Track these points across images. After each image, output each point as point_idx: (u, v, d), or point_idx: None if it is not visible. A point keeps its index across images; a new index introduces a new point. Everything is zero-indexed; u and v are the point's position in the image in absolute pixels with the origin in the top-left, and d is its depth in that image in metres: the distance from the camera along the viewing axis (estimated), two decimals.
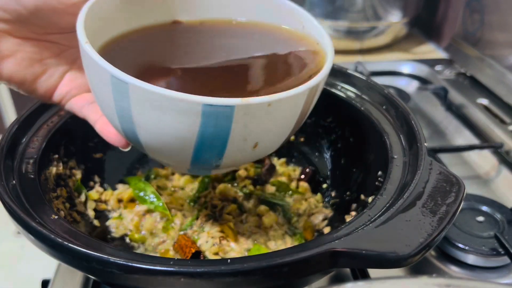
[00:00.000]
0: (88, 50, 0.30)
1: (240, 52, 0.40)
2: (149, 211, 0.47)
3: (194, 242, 0.43)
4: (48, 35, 0.34)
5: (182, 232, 0.45)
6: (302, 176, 0.52)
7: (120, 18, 0.38)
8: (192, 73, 0.36)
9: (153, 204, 0.47)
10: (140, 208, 0.47)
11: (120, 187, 0.50)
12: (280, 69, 0.38)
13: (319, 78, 0.34)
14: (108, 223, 0.46)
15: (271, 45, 0.41)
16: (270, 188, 0.50)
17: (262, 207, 0.47)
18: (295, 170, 0.53)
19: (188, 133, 0.31)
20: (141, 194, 0.48)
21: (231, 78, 0.36)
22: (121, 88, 0.30)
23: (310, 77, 0.35)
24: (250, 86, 0.35)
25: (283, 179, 0.52)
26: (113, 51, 0.36)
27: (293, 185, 0.51)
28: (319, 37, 0.39)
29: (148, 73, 0.34)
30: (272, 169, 0.52)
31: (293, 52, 0.39)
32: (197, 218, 0.46)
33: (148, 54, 0.38)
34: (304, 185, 0.51)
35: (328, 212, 0.47)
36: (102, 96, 0.33)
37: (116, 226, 0.46)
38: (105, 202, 0.48)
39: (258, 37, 0.42)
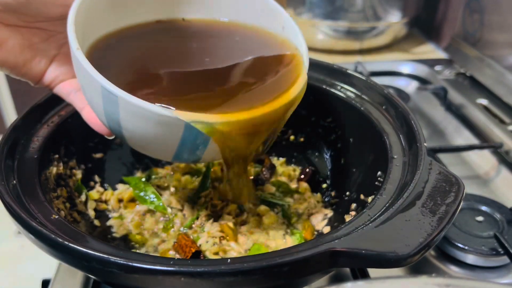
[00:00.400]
0: (79, 58, 0.32)
1: (223, 58, 0.41)
2: (149, 211, 0.47)
3: (194, 241, 0.43)
4: (37, 23, 0.35)
5: (183, 230, 0.45)
6: (302, 176, 0.52)
7: (106, 17, 0.39)
8: (176, 82, 0.37)
9: (153, 204, 0.47)
10: (140, 208, 0.47)
11: (121, 187, 0.50)
12: (259, 79, 0.38)
13: (296, 92, 0.37)
14: (109, 223, 0.46)
15: (251, 51, 0.42)
16: (270, 188, 0.50)
17: (262, 207, 0.47)
18: (295, 170, 0.53)
19: (171, 140, 0.34)
20: (142, 194, 0.48)
21: (213, 89, 0.37)
22: (111, 98, 0.31)
23: (287, 89, 0.37)
24: (231, 99, 0.36)
25: (283, 179, 0.52)
26: (101, 54, 0.37)
27: (293, 185, 0.52)
28: (297, 43, 0.41)
29: (136, 81, 0.36)
30: (272, 169, 0.52)
31: (272, 60, 0.40)
32: (197, 218, 0.46)
33: (135, 57, 0.39)
34: (304, 185, 0.51)
35: (328, 212, 0.47)
36: (91, 98, 0.34)
37: (117, 226, 0.46)
38: (106, 202, 0.48)
39: (239, 41, 0.43)
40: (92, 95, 0.34)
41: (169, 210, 0.47)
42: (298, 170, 0.54)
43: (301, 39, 0.40)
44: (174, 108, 0.32)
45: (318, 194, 0.50)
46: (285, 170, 0.53)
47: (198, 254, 0.41)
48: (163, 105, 0.32)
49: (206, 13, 0.44)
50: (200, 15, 0.44)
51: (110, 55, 0.38)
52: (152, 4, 0.42)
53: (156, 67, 0.38)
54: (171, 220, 0.46)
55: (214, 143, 0.34)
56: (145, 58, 0.39)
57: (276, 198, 0.49)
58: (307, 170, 0.52)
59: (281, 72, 0.39)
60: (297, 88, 0.37)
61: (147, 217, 0.47)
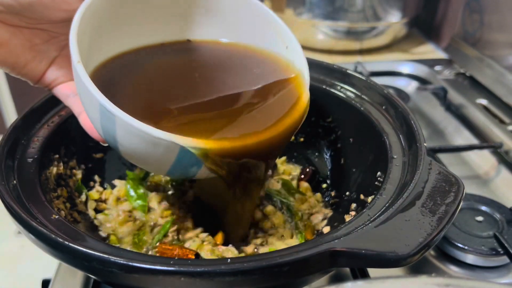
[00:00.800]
0: (79, 72, 0.32)
1: (226, 81, 0.42)
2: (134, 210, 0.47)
3: (190, 250, 0.41)
4: (39, 24, 0.35)
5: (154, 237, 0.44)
6: (302, 176, 0.52)
7: (111, 36, 0.40)
8: (176, 104, 0.38)
9: (134, 200, 0.47)
10: (125, 207, 0.47)
11: (117, 182, 0.50)
12: (260, 102, 0.39)
13: (295, 118, 0.38)
14: (96, 221, 0.46)
15: (255, 75, 0.42)
16: (276, 185, 0.50)
17: (269, 208, 0.47)
18: (295, 169, 0.54)
19: (165, 160, 0.34)
20: (131, 191, 0.48)
21: (213, 113, 0.38)
22: (108, 115, 0.32)
23: (287, 114, 0.38)
24: (229, 124, 0.37)
25: (285, 177, 0.52)
26: (104, 74, 0.38)
27: (294, 183, 0.52)
28: (300, 63, 0.41)
29: (136, 101, 0.37)
30: (273, 166, 0.52)
31: (274, 84, 0.41)
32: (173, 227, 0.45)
33: (138, 78, 0.40)
34: (304, 184, 0.51)
35: (328, 212, 0.47)
36: (89, 111, 0.35)
37: (103, 223, 0.45)
38: (105, 201, 0.48)
39: (243, 64, 0.43)
40: (89, 108, 0.34)
41: (156, 211, 0.46)
42: (298, 169, 0.54)
43: (303, 60, 0.41)
44: (170, 132, 0.32)
45: (318, 194, 0.50)
46: (286, 169, 0.53)
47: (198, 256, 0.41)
48: (159, 128, 0.32)
49: (212, 34, 0.45)
50: (206, 36, 0.45)
51: (113, 75, 0.39)
52: (159, 24, 0.43)
53: (157, 88, 0.39)
54: (144, 221, 0.46)
55: (208, 165, 0.35)
56: (148, 79, 0.40)
57: (281, 195, 0.49)
58: (307, 170, 0.52)
59: (283, 94, 0.39)
60: (296, 113, 0.38)
61: (133, 214, 0.47)
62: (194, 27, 0.45)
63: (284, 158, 0.55)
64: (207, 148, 0.33)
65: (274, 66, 0.42)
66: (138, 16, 0.42)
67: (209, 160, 0.34)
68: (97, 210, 0.47)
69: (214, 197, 0.46)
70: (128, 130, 0.32)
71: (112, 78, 0.38)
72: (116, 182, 0.50)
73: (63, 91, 0.38)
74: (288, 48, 0.42)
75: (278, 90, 0.40)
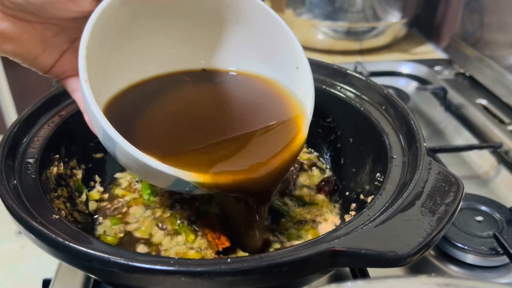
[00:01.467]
0: (86, 91, 0.33)
1: (231, 115, 0.43)
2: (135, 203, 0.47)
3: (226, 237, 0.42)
4: (51, 20, 0.35)
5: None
6: (323, 183, 0.49)
7: (125, 64, 0.42)
8: (179, 135, 0.40)
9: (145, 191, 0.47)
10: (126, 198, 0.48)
11: (118, 175, 0.50)
12: (259, 137, 0.40)
13: (290, 154, 0.39)
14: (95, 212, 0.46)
15: (260, 111, 0.43)
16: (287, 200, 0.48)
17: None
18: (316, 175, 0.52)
19: (163, 182, 0.37)
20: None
21: (211, 145, 0.39)
22: (110, 139, 0.33)
23: (283, 150, 0.39)
24: (225, 159, 0.38)
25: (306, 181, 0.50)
26: (116, 103, 0.40)
27: (312, 191, 0.49)
28: (306, 93, 0.41)
29: (141, 129, 0.39)
30: (300, 167, 0.52)
31: (276, 123, 0.42)
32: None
33: (149, 108, 0.41)
34: (320, 197, 0.48)
35: (337, 221, 0.47)
36: (93, 127, 0.36)
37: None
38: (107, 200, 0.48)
39: (251, 98, 0.45)
40: (94, 125, 0.35)
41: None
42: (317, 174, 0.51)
43: (311, 86, 0.41)
44: (167, 161, 0.34)
45: (334, 204, 0.48)
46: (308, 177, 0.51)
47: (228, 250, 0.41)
48: (158, 155, 0.34)
49: (228, 64, 0.46)
50: (221, 66, 0.46)
51: (126, 104, 0.41)
52: (177, 53, 0.44)
53: (164, 118, 0.41)
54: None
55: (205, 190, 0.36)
56: (157, 109, 0.42)
57: (282, 207, 0.47)
58: (330, 180, 0.49)
59: (282, 129, 0.41)
60: (292, 150, 0.39)
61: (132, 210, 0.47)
62: (209, 55, 0.46)
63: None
64: (201, 182, 0.35)
65: (281, 101, 0.43)
66: (153, 43, 0.43)
67: (205, 188, 0.36)
68: (98, 210, 0.47)
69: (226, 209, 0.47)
70: (127, 155, 0.33)
71: (124, 107, 0.40)
72: (117, 175, 0.50)
73: (71, 85, 0.38)
74: (299, 69, 0.42)
75: (279, 125, 0.41)
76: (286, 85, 0.44)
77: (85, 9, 0.33)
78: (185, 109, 0.43)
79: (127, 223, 0.45)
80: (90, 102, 0.32)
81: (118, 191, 0.49)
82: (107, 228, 0.44)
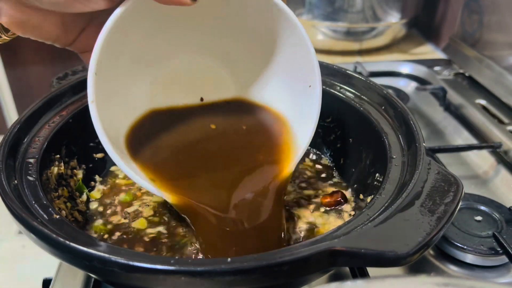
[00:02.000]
0: (92, 112, 0.35)
1: (226, 149, 0.45)
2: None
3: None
4: None
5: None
6: (327, 199, 0.47)
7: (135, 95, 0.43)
8: (176, 166, 0.42)
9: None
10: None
11: (114, 168, 0.50)
12: (245, 173, 0.43)
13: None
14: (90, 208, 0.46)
15: (253, 143, 0.45)
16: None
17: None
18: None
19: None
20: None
21: (204, 177, 0.42)
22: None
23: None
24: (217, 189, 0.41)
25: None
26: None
27: (316, 199, 0.47)
28: (307, 128, 0.42)
29: (147, 157, 0.42)
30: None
31: (266, 157, 0.43)
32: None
33: (161, 136, 0.44)
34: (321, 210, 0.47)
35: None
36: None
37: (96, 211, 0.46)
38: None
39: (247, 130, 0.45)
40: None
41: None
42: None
43: (316, 113, 0.42)
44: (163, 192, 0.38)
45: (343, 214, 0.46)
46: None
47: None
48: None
49: (259, 96, 0.46)
50: (224, 96, 0.46)
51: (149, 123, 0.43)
52: (174, 86, 0.45)
53: (175, 145, 0.43)
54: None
55: None
56: (173, 136, 0.44)
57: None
58: (337, 193, 0.47)
59: (271, 162, 0.43)
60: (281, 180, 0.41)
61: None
62: (212, 88, 0.46)
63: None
64: (172, 203, 0.39)
65: (278, 135, 0.44)
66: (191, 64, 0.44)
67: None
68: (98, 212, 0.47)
69: None
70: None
71: (147, 127, 0.43)
72: (113, 168, 0.51)
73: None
74: (311, 88, 0.41)
75: (268, 159, 0.43)
76: (291, 122, 0.44)
77: (100, 6, 0.34)
78: (195, 140, 0.45)
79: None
80: (95, 122, 0.35)
81: (118, 181, 0.49)
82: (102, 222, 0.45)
